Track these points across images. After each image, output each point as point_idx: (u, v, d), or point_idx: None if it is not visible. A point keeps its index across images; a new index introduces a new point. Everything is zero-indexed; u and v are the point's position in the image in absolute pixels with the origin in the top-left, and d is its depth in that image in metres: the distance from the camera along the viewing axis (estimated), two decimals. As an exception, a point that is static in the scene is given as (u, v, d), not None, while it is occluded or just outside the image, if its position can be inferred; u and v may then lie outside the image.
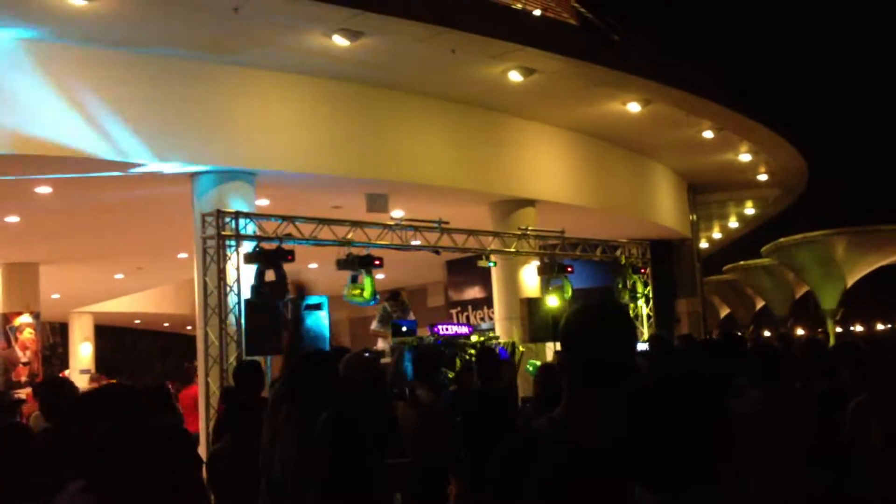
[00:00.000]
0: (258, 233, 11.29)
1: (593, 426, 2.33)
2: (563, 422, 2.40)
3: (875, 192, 28.60)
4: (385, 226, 12.79)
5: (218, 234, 10.90)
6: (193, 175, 11.66)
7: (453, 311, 21.90)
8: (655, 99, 14.41)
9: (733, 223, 26.73)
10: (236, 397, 6.18)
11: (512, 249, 14.36)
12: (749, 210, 25.61)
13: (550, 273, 14.50)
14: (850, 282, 27.27)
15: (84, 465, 2.50)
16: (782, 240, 27.08)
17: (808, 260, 26.76)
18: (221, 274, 10.86)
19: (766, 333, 33.02)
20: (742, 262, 33.38)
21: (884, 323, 45.30)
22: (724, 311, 41.07)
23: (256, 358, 9.61)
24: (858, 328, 47.33)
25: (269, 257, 10.87)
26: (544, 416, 2.45)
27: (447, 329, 12.68)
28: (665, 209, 19.55)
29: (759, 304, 37.15)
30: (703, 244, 26.16)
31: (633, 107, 14.37)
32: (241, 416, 5.34)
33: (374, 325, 13.04)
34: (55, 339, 27.53)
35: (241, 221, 11.11)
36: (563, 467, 2.32)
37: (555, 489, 2.33)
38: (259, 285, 10.75)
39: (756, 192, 23.45)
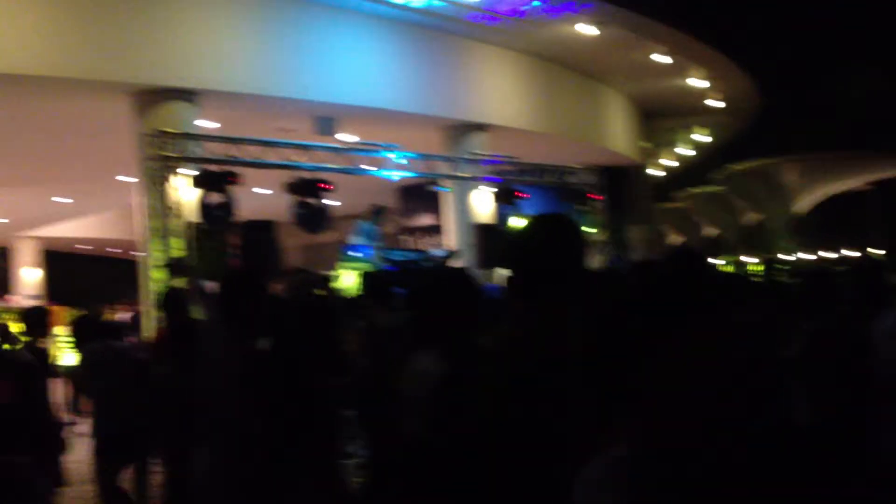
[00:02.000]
0: (203, 155, 10.97)
1: (536, 339, 2.23)
2: (506, 338, 2.30)
3: (826, 118, 28.77)
4: (335, 149, 12.53)
5: (161, 155, 10.57)
6: (135, 94, 11.27)
7: (404, 238, 21.74)
8: (608, 21, 14.19)
9: (685, 150, 26.76)
10: (168, 323, 6.00)
11: (465, 175, 14.18)
12: (701, 137, 25.63)
13: (505, 200, 14.34)
14: (800, 209, 27.62)
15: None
16: (732, 167, 27.21)
17: (758, 187, 26.98)
18: (164, 197, 10.56)
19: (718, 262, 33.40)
20: (692, 190, 33.54)
21: (827, 251, 46.06)
22: (675, 240, 41.41)
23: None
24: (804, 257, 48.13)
25: (213, 179, 10.57)
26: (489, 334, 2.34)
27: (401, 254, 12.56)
28: (617, 135, 19.47)
29: (709, 231, 37.51)
30: (656, 171, 26.20)
31: (587, 29, 14.14)
32: (177, 343, 5.19)
33: (351, 240, 12.75)
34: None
35: (184, 142, 10.77)
36: (505, 382, 2.23)
37: (497, 403, 2.24)
38: (206, 208, 10.45)
39: (708, 119, 23.45)
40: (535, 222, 2.43)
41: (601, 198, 15.94)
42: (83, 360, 6.39)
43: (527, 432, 2.19)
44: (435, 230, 20.08)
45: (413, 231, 21.57)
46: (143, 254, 11.09)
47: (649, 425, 1.58)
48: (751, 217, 30.39)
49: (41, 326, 7.37)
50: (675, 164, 27.87)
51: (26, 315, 7.66)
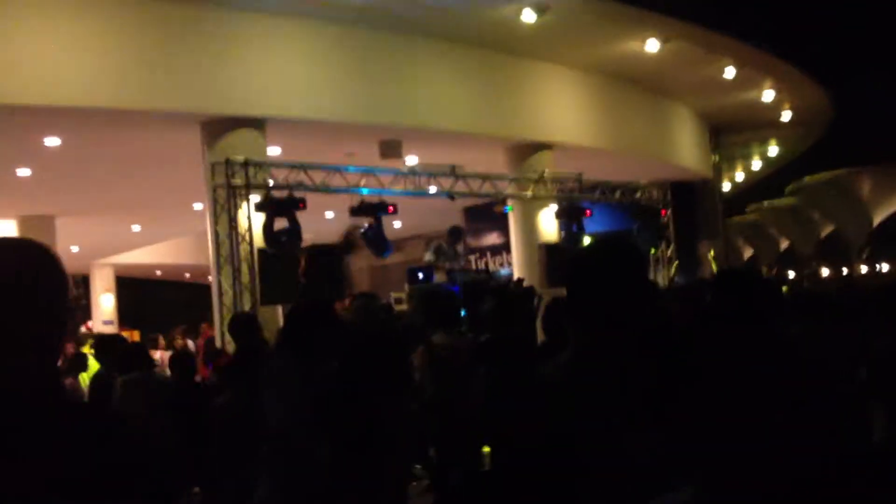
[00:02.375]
0: (269, 181, 11.13)
1: (600, 371, 2.18)
2: (569, 367, 2.25)
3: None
4: (398, 172, 12.60)
5: (228, 182, 10.75)
6: (203, 123, 11.49)
7: (472, 258, 21.74)
8: (674, 36, 14.01)
9: (756, 163, 26.28)
10: (235, 348, 6.04)
11: (529, 194, 14.13)
12: (772, 149, 25.15)
13: (569, 217, 14.26)
14: (877, 220, 26.86)
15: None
16: (806, 179, 26.62)
17: (833, 198, 26.33)
18: (233, 223, 10.74)
19: (791, 273, 32.66)
20: (765, 202, 32.89)
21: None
22: (748, 253, 40.66)
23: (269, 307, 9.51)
24: (885, 267, 46.75)
25: (279, 206, 10.72)
26: (550, 362, 2.30)
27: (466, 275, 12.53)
28: (685, 150, 19.20)
29: (784, 244, 36.73)
30: (726, 185, 25.77)
31: (651, 45, 13.99)
32: (241, 368, 5.22)
33: (425, 258, 12.79)
34: (77, 291, 27.64)
35: (252, 170, 10.94)
36: (570, 414, 2.18)
37: (563, 436, 2.19)
38: (272, 233, 10.60)
39: (779, 132, 22.98)
40: (594, 245, 2.37)
41: (666, 213, 15.72)
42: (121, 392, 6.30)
43: (584, 474, 2.13)
44: (502, 249, 20.06)
45: (481, 251, 21.58)
46: (214, 280, 11.27)
47: (717, 467, 1.52)
48: (826, 229, 29.67)
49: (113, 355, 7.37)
50: (747, 177, 27.42)
51: (99, 343, 7.74)
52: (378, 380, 4.99)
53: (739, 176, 27.22)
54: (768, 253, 38.87)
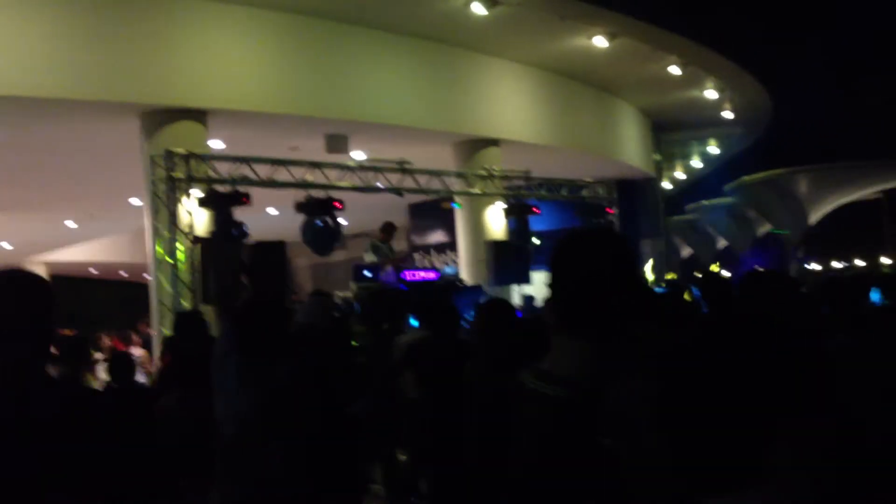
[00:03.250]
0: (211, 175, 10.79)
1: (582, 385, 1.97)
2: (548, 375, 2.04)
3: (838, 127, 28.55)
4: (346, 167, 12.34)
5: (168, 176, 10.39)
6: (142, 114, 11.10)
7: (416, 256, 21.55)
8: (622, 32, 13.99)
9: (696, 163, 26.53)
10: (181, 349, 5.74)
11: (477, 190, 13.98)
12: (712, 149, 25.40)
13: (517, 214, 14.15)
14: (812, 219, 27.33)
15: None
16: (745, 178, 26.96)
17: (770, 198, 26.72)
18: (173, 218, 10.37)
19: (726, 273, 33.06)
20: (704, 202, 33.26)
21: (839, 261, 45.59)
22: (686, 251, 41.11)
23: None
24: (815, 266, 47.67)
25: (223, 201, 10.38)
26: (530, 367, 2.10)
27: (414, 274, 12.32)
28: (630, 148, 19.24)
29: (721, 243, 37.20)
30: (666, 184, 25.97)
31: (599, 41, 13.94)
32: (187, 368, 4.94)
33: (367, 259, 12.52)
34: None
35: (193, 163, 10.59)
36: (547, 425, 1.99)
37: (538, 446, 2.01)
38: (218, 230, 10.26)
39: (719, 131, 23.22)
40: (580, 237, 2.17)
41: (612, 211, 15.71)
42: None
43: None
44: (447, 247, 19.90)
45: (425, 249, 21.40)
46: (152, 277, 10.89)
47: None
48: (764, 227, 30.10)
49: (78, 357, 6.33)
50: (687, 176, 27.67)
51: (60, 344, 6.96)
52: (335, 382, 4.77)
53: (679, 175, 27.47)
54: (706, 252, 39.36)
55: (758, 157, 26.52)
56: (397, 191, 12.84)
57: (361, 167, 12.37)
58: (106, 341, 12.89)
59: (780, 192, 25.90)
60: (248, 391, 3.95)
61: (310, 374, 3.97)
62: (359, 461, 4.91)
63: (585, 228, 2.49)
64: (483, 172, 14.01)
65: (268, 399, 3.84)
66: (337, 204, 11.48)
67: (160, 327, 10.73)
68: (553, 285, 2.09)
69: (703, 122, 21.71)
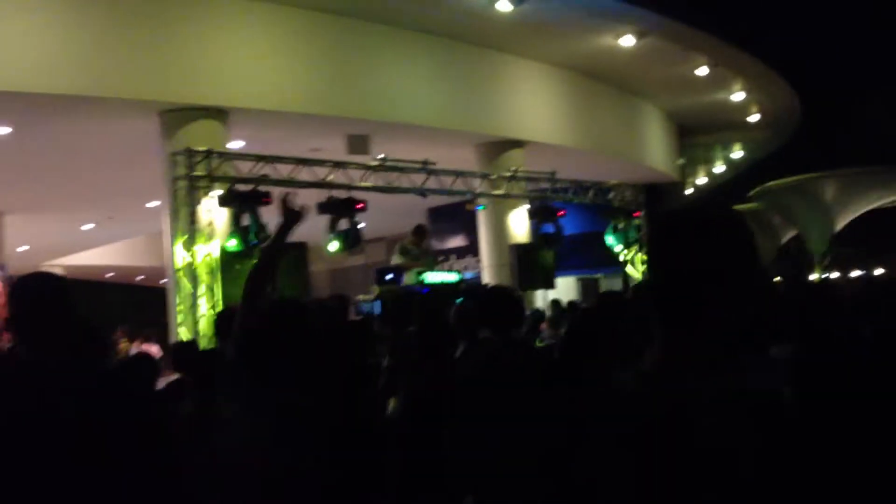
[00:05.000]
0: (232, 174, 10.54)
1: (700, 385, 1.68)
2: (655, 377, 1.74)
3: (866, 133, 28.04)
4: (368, 167, 12.07)
5: (188, 174, 10.15)
6: (161, 114, 10.87)
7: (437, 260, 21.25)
8: (649, 31, 13.68)
9: (719, 167, 26.11)
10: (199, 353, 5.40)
11: (501, 192, 13.69)
12: (736, 153, 25.00)
13: (542, 217, 13.83)
14: (839, 225, 26.84)
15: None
16: (770, 184, 26.47)
17: (796, 203, 26.23)
18: (193, 217, 10.13)
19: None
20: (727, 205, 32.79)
21: (861, 269, 44.83)
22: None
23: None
24: (835, 274, 46.92)
25: (244, 199, 10.13)
26: (629, 369, 1.79)
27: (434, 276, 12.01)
28: (655, 152, 18.92)
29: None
30: (692, 189, 25.63)
31: (627, 40, 13.64)
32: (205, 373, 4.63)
33: (394, 261, 12.24)
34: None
35: (214, 161, 10.34)
36: (656, 433, 1.68)
37: (647, 456, 1.69)
38: (239, 229, 10.00)
39: (745, 135, 22.84)
40: (687, 216, 1.85)
41: (640, 215, 15.37)
42: None
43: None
44: (467, 252, 19.59)
45: (445, 254, 21.10)
46: (170, 279, 10.65)
47: None
48: (789, 233, 29.59)
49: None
50: (712, 180, 27.26)
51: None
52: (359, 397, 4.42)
53: (702, 180, 27.06)
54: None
55: (784, 162, 26.06)
56: (421, 191, 12.56)
57: (384, 167, 12.07)
58: (124, 344, 12.67)
59: (807, 198, 25.42)
60: (256, 412, 3.55)
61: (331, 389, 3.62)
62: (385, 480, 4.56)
63: (688, 208, 2.10)
64: (507, 174, 13.71)
65: (277, 423, 3.45)
66: (359, 205, 11.21)
67: (178, 330, 10.48)
68: (655, 267, 1.79)
69: (727, 126, 21.37)
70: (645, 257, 1.63)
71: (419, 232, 12.38)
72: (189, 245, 10.19)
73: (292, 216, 3.98)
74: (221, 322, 6.12)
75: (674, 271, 1.74)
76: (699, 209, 1.83)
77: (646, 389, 1.70)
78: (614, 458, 1.68)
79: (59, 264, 26.27)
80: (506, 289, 6.21)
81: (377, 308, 9.77)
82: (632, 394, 1.72)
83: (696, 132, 21.64)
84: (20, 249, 20.87)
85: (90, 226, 20.33)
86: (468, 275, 17.71)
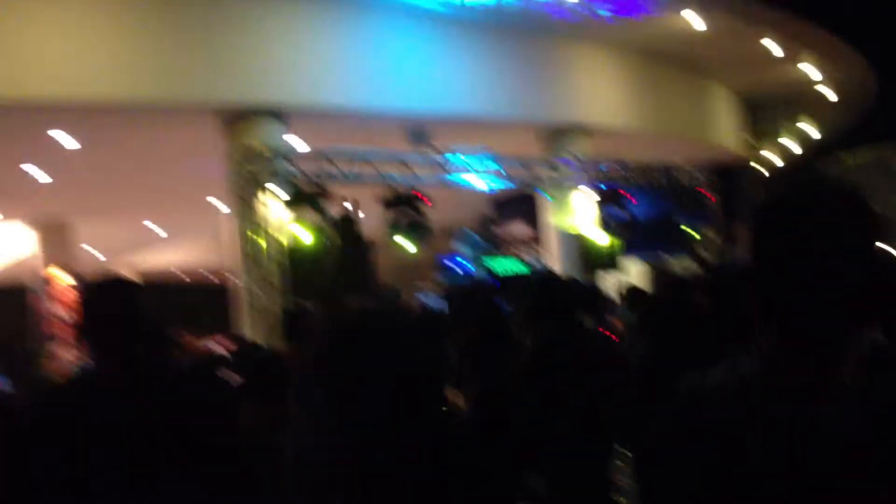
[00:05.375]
0: (294, 173, 10.46)
1: (812, 393, 1.46)
2: (757, 379, 1.53)
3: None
4: (431, 159, 11.91)
5: (250, 174, 10.10)
6: (222, 116, 10.86)
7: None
8: (714, 8, 13.24)
9: (794, 144, 25.35)
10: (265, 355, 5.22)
11: (567, 179, 13.39)
12: (811, 130, 24.22)
13: (611, 203, 13.48)
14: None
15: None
16: (846, 159, 25.67)
17: (874, 178, 25.35)
18: (256, 217, 10.08)
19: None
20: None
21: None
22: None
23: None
24: None
25: (307, 198, 10.04)
26: (719, 368, 1.58)
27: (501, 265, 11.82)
28: (724, 131, 18.42)
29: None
30: (764, 168, 24.90)
31: (693, 18, 13.22)
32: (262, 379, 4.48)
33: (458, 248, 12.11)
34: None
35: (276, 161, 10.28)
36: (760, 445, 1.47)
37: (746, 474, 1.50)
38: (304, 229, 9.92)
39: (818, 111, 22.12)
40: (797, 191, 1.61)
41: (713, 197, 14.92)
42: None
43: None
44: (532, 241, 19.31)
45: (509, 243, 20.85)
46: (242, 279, 10.63)
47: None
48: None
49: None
50: (784, 158, 26.51)
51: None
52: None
53: (776, 159, 26.31)
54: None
55: (858, 140, 25.23)
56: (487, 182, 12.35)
57: (447, 156, 11.88)
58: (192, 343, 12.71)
59: (885, 172, 24.56)
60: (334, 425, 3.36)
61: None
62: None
63: (797, 182, 1.84)
64: (573, 159, 13.41)
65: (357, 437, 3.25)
66: (423, 198, 11.04)
67: (247, 330, 10.47)
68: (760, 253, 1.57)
69: (800, 103, 20.71)
70: (747, 236, 1.37)
71: (483, 220, 12.21)
72: (254, 245, 10.14)
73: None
74: (290, 323, 5.99)
75: (791, 255, 1.51)
76: (815, 183, 1.58)
77: (767, 381, 1.50)
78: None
79: (131, 267, 26.71)
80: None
81: (445, 305, 9.59)
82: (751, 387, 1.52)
83: (768, 111, 21.03)
84: (93, 255, 21.25)
85: (159, 229, 20.58)
86: (536, 265, 17.46)
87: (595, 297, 7.52)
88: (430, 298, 10.45)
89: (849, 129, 24.08)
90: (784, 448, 1.44)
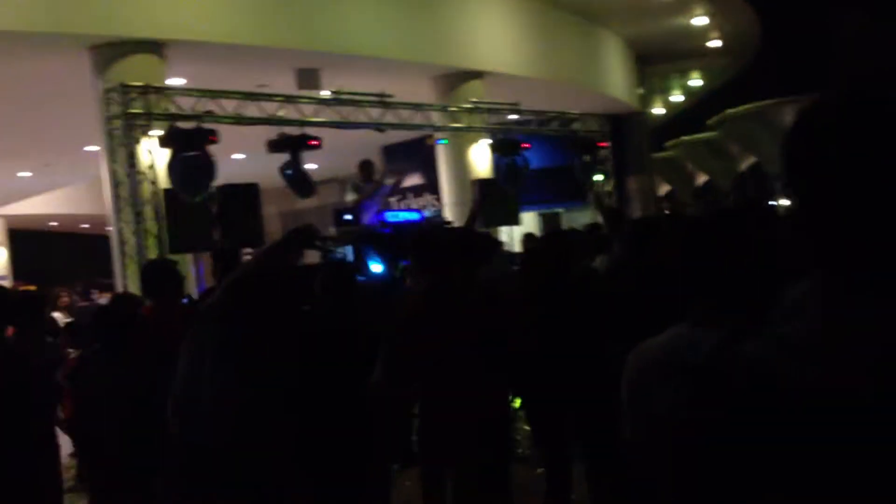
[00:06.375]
0: (173, 111, 9.74)
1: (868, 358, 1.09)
2: (808, 347, 1.13)
3: (829, 57, 27.69)
4: (321, 100, 11.33)
5: (124, 112, 9.35)
6: (93, 49, 10.01)
7: (392, 200, 20.57)
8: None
9: (677, 96, 25.63)
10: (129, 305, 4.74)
11: (462, 125, 13.03)
12: (695, 82, 24.52)
13: (504, 151, 13.20)
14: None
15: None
16: (729, 111, 26.10)
17: (755, 131, 25.90)
18: (132, 160, 9.36)
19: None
20: (685, 138, 32.39)
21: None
22: (664, 189, 40.27)
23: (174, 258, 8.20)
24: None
25: (187, 139, 9.35)
26: (755, 334, 1.19)
27: (396, 216, 11.40)
28: (616, 81, 18.33)
29: (701, 179, 36.47)
30: (652, 119, 25.12)
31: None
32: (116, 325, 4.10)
33: (348, 199, 11.56)
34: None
35: (152, 98, 9.54)
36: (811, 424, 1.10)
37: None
38: (181, 171, 9.23)
39: (704, 62, 22.34)
40: (841, 106, 1.20)
41: (607, 145, 14.82)
42: None
43: None
44: (425, 189, 18.94)
45: (402, 193, 20.43)
46: (113, 226, 9.90)
47: None
48: (747, 162, 29.33)
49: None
50: (668, 111, 26.80)
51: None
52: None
53: (660, 110, 26.57)
54: (684, 189, 38.63)
55: (742, 90, 25.66)
56: (378, 126, 11.85)
57: (339, 101, 11.33)
58: (64, 298, 11.88)
59: (767, 125, 25.10)
60: (242, 377, 3.04)
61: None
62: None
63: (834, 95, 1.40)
64: (468, 105, 13.04)
65: (259, 388, 2.95)
66: (313, 142, 10.49)
67: (123, 283, 9.78)
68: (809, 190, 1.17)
69: (686, 53, 20.84)
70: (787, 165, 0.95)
71: (366, 166, 11.72)
72: (130, 190, 9.43)
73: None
74: (149, 275, 5.47)
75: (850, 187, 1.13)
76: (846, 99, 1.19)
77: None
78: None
79: (1, 214, 25.19)
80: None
81: (349, 253, 9.15)
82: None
83: (655, 61, 21.10)
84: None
85: (27, 173, 19.31)
86: (428, 213, 17.10)
87: (491, 245, 7.22)
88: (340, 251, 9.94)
89: (735, 82, 24.48)
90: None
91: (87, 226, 29.52)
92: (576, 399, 4.67)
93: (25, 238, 28.98)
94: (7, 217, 25.50)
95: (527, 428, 6.00)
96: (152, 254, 9.36)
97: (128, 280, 9.66)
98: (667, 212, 20.88)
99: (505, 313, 4.54)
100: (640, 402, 1.77)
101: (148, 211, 9.49)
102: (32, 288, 10.10)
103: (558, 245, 5.26)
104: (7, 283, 22.45)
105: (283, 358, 3.18)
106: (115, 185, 9.59)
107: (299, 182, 10.74)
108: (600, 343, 4.21)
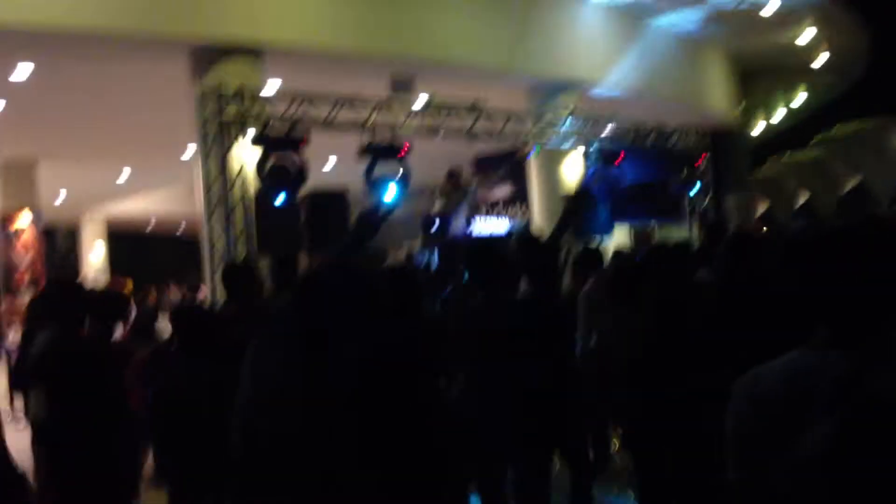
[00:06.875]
0: (267, 116, 9.79)
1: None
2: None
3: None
4: (413, 109, 11.27)
5: (219, 115, 9.44)
6: (192, 53, 10.16)
7: (482, 209, 20.41)
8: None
9: (781, 113, 24.86)
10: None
11: (556, 136, 12.80)
12: (800, 98, 23.74)
13: (601, 161, 12.87)
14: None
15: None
16: (834, 131, 25.23)
17: (860, 151, 24.93)
18: (224, 162, 9.44)
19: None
20: (787, 156, 31.42)
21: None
22: (763, 208, 39.04)
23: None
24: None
25: (278, 142, 9.39)
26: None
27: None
28: (717, 96, 17.88)
29: (803, 198, 35.27)
30: (753, 135, 24.47)
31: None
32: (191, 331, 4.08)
33: (436, 209, 11.53)
34: (67, 245, 26.21)
35: (247, 102, 9.61)
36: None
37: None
38: (270, 173, 9.25)
39: (809, 78, 21.64)
40: None
41: (705, 160, 14.34)
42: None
43: None
44: (515, 201, 18.73)
45: (492, 204, 20.27)
46: (204, 226, 10.01)
47: None
48: (851, 182, 28.26)
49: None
50: (769, 127, 26.01)
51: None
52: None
53: (763, 126, 25.83)
54: (784, 207, 37.37)
55: (848, 108, 24.76)
56: (471, 134, 11.72)
57: (432, 109, 11.23)
58: (175, 292, 12.15)
59: (871, 145, 24.13)
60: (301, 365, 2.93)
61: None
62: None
63: None
64: (563, 115, 12.81)
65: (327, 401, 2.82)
66: (405, 148, 10.39)
67: (213, 282, 9.87)
68: None
69: (792, 69, 20.21)
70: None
71: (452, 176, 11.63)
72: (221, 191, 9.52)
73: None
74: (228, 278, 5.43)
75: None
76: None
77: None
78: None
79: (101, 214, 25.92)
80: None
81: (434, 259, 9.05)
82: None
83: (759, 77, 20.52)
84: (57, 198, 20.50)
85: (126, 173, 19.80)
86: (518, 223, 16.85)
87: (595, 258, 6.96)
88: (424, 257, 9.86)
89: (841, 100, 23.65)
90: None
91: (182, 228, 30.20)
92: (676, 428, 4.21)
93: (123, 239, 29.78)
94: (107, 218, 26.23)
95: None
96: (241, 255, 9.42)
97: (216, 282, 9.73)
98: (763, 230, 20.18)
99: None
100: (756, 439, 1.58)
101: (238, 213, 9.55)
102: (128, 280, 10.23)
103: (673, 256, 4.91)
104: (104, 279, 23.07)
105: (349, 360, 3.05)
106: (208, 187, 9.68)
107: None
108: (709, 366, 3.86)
